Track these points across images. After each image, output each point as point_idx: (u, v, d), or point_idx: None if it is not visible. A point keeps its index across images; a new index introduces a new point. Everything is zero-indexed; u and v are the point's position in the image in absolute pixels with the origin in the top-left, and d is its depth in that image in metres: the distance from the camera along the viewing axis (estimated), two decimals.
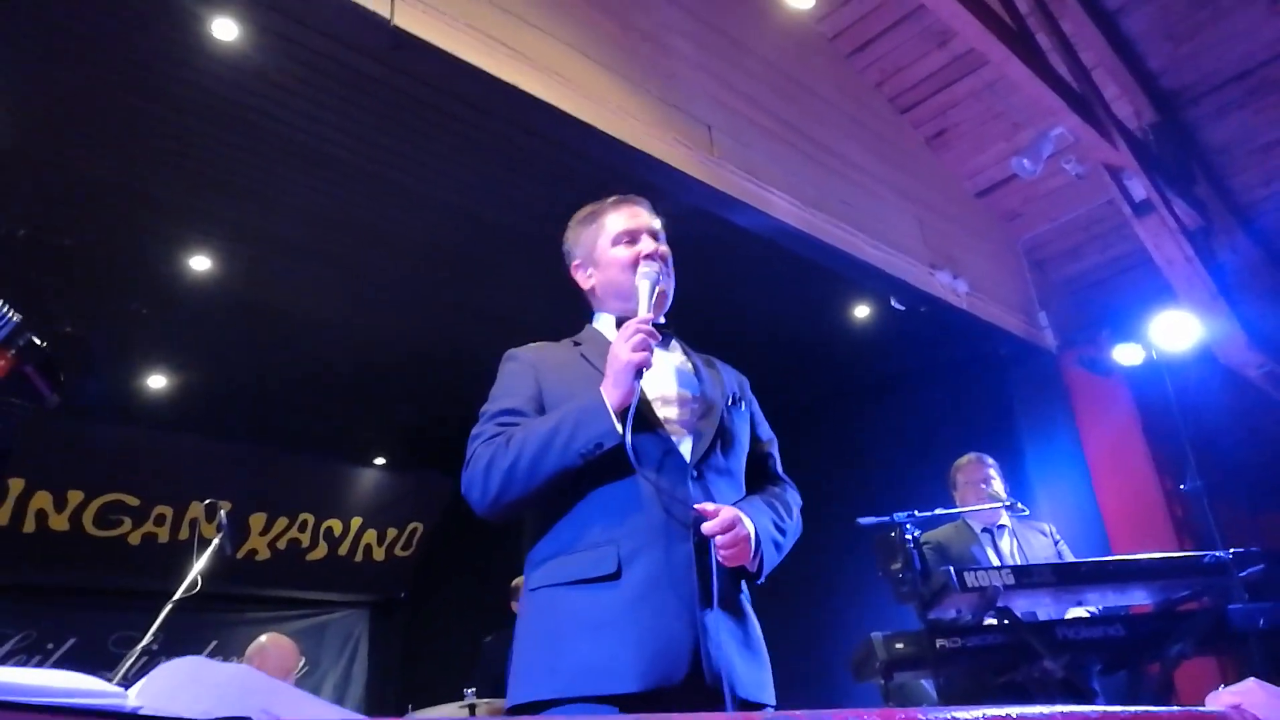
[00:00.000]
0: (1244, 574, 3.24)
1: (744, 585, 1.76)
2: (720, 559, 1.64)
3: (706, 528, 1.63)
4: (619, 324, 1.86)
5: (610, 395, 1.67)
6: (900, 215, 5.07)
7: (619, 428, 1.63)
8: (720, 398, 1.86)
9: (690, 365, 1.90)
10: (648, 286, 1.83)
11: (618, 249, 1.91)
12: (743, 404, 1.92)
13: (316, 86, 3.65)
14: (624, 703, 1.53)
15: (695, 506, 1.65)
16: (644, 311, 1.79)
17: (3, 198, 4.09)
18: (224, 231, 4.55)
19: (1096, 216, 5.81)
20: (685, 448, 1.74)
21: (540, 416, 1.76)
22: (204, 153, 3.98)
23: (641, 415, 1.69)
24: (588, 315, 2.03)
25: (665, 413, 1.76)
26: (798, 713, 0.57)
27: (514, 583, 5.28)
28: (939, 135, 5.64)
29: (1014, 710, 0.67)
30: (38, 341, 1.38)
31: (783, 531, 1.82)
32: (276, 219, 4.48)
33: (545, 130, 3.51)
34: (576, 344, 1.93)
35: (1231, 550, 3.27)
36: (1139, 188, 4.28)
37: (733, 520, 1.64)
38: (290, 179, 4.20)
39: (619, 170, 3.73)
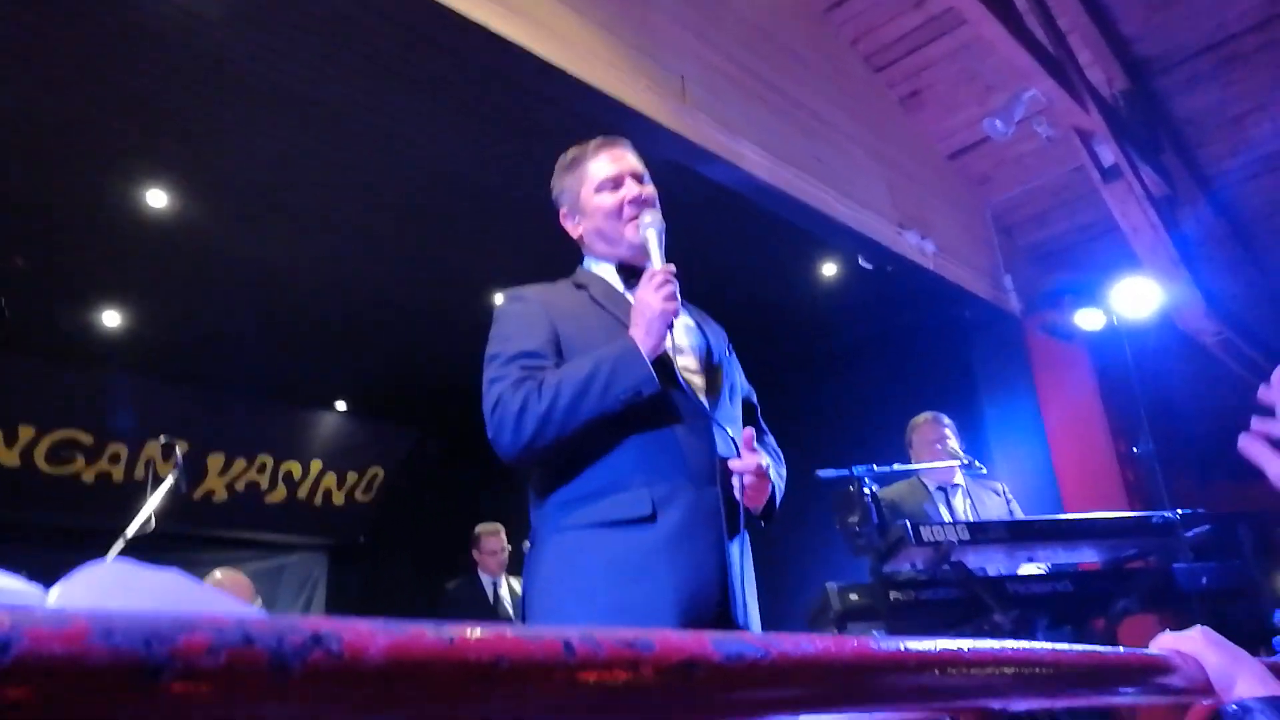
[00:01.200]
0: (1190, 535, 3.32)
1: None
2: (744, 500, 1.70)
3: (739, 465, 1.68)
4: (620, 269, 1.89)
5: (643, 343, 1.68)
6: (870, 174, 5.05)
7: (654, 376, 1.66)
8: (721, 348, 1.91)
9: (688, 315, 1.92)
10: (655, 236, 1.83)
11: (602, 195, 1.90)
12: (732, 354, 1.97)
13: (288, 25, 3.54)
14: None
15: (745, 433, 1.71)
16: (658, 262, 1.79)
17: None
18: (185, 170, 4.43)
19: (1064, 183, 5.83)
20: (702, 396, 1.78)
21: (569, 361, 1.75)
22: (168, 91, 3.86)
23: (665, 364, 1.71)
24: (573, 263, 2.01)
25: (683, 362, 1.79)
26: (753, 635, 0.55)
27: (476, 530, 5.29)
28: (912, 95, 5.61)
29: (967, 644, 0.66)
30: None
31: (781, 478, 1.91)
32: (240, 160, 4.37)
33: (513, 74, 3.43)
34: (580, 286, 1.91)
35: (1179, 511, 3.34)
36: (1108, 153, 4.29)
37: (764, 461, 1.71)
38: (256, 120, 4.09)
39: (588, 118, 3.66)
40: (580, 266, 1.99)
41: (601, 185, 1.90)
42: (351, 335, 6.36)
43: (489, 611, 5.07)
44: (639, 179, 1.92)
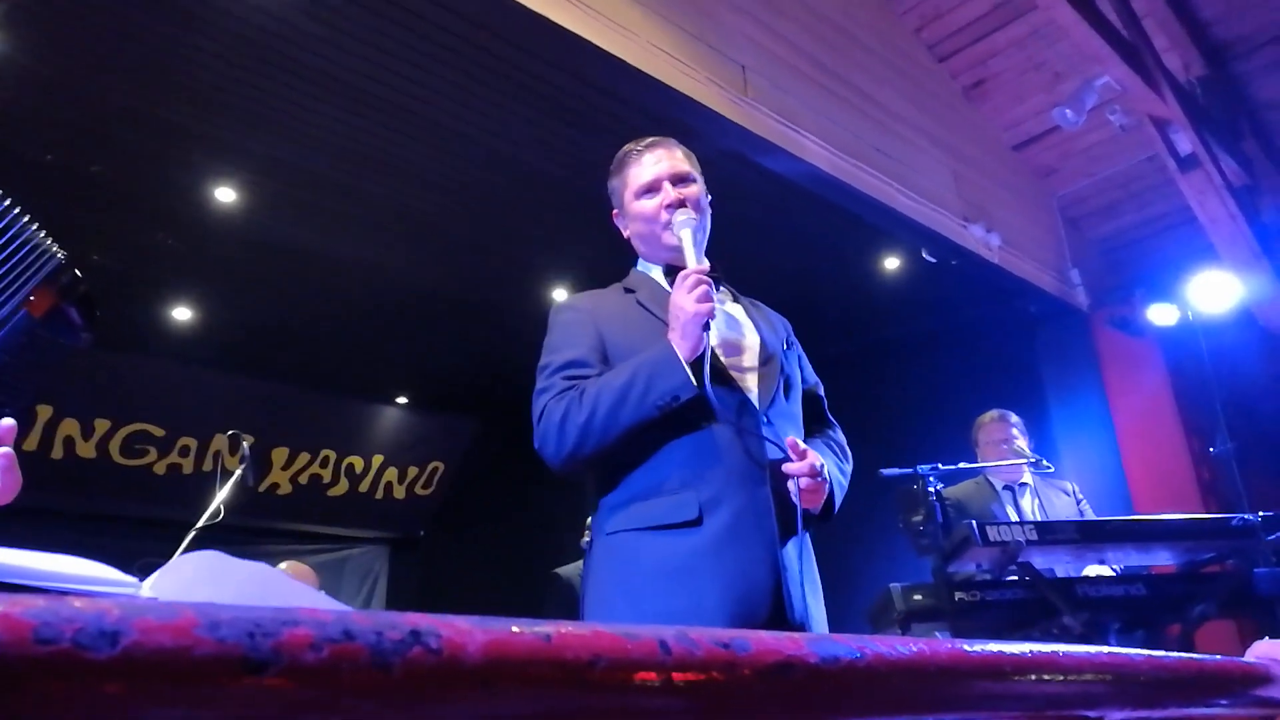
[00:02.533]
0: (1271, 538, 3.20)
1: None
2: (800, 501, 1.67)
3: (793, 469, 1.66)
4: (667, 272, 1.87)
5: (680, 348, 1.67)
6: (935, 166, 4.96)
7: (693, 379, 1.64)
8: (776, 342, 1.87)
9: (742, 310, 1.91)
10: (689, 235, 1.80)
11: (641, 201, 1.89)
12: (793, 347, 1.94)
13: (349, 17, 3.58)
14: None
15: (787, 441, 1.68)
16: (693, 262, 1.76)
17: (31, 123, 4.07)
18: (252, 164, 4.51)
19: (1135, 174, 5.66)
20: (753, 394, 1.75)
21: (610, 369, 1.75)
22: (234, 84, 3.93)
23: (710, 365, 1.69)
24: (631, 259, 2.00)
25: (730, 360, 1.77)
26: (847, 636, 0.53)
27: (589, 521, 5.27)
28: (977, 85, 5.49)
29: (1060, 647, 0.64)
30: (79, 277, 1.34)
31: (844, 474, 1.88)
32: (306, 153, 4.43)
33: (572, 64, 3.44)
34: (629, 290, 1.91)
35: (1260, 514, 3.22)
36: (1185, 142, 4.15)
37: (817, 463, 1.68)
38: (320, 112, 4.15)
39: (650, 110, 3.65)
40: (634, 269, 1.99)
41: (640, 191, 1.89)
42: (413, 328, 6.44)
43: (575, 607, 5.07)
44: (679, 180, 1.88)
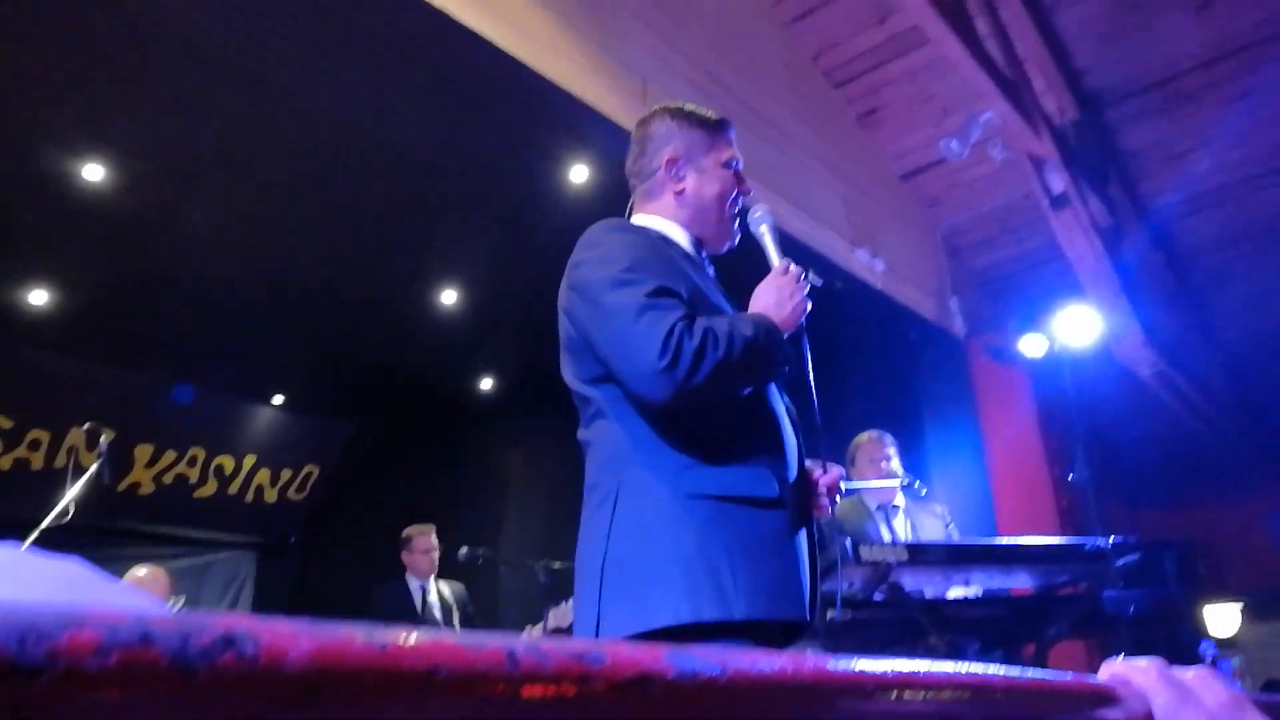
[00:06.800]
0: (1120, 563, 3.37)
1: None
2: (818, 507, 1.74)
3: (826, 479, 1.74)
4: (695, 243, 1.85)
5: (782, 327, 1.69)
6: (826, 189, 5.08)
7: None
8: None
9: None
10: (769, 232, 1.85)
11: (727, 174, 1.85)
12: None
13: None
14: (787, 630, 1.60)
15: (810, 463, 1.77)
16: (778, 259, 1.82)
17: None
18: (123, 142, 4.27)
19: (1012, 209, 5.93)
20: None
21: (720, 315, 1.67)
22: (109, 53, 3.71)
23: None
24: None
25: None
26: (708, 650, 0.51)
27: (405, 532, 5.17)
28: (870, 113, 5.66)
29: (923, 666, 0.63)
30: None
31: None
32: (183, 133, 4.22)
33: (472, 60, 3.37)
34: (666, 241, 1.80)
35: (1111, 540, 3.38)
36: (1058, 181, 4.37)
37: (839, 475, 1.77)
38: (201, 90, 3.95)
39: (547, 113, 3.62)
40: (647, 217, 1.85)
41: (730, 162, 1.86)
42: (291, 325, 6.21)
43: (414, 617, 4.95)
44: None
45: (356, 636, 0.37)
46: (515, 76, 3.29)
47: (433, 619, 4.97)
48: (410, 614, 4.94)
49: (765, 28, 4.99)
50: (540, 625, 4.36)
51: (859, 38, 5.22)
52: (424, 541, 5.06)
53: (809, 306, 1.73)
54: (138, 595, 0.47)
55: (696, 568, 1.48)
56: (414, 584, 5.05)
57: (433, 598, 5.05)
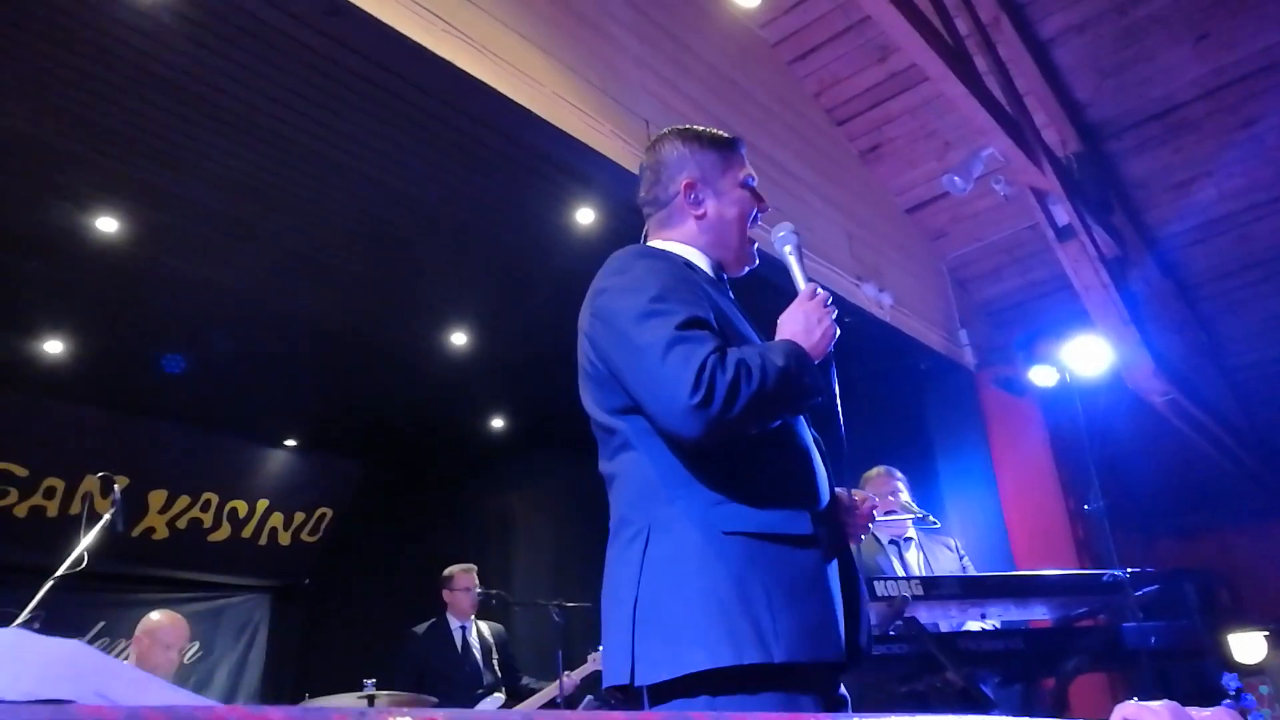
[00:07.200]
0: (1139, 594, 3.33)
1: None
2: (853, 536, 1.69)
3: (865, 507, 1.71)
4: (716, 268, 1.81)
5: (812, 354, 1.62)
6: (830, 226, 5.11)
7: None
8: None
9: None
10: (792, 252, 1.80)
11: (745, 194, 1.82)
12: None
13: (243, 48, 3.50)
14: (829, 670, 1.50)
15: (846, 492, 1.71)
16: (803, 282, 1.74)
17: None
18: (134, 193, 4.33)
19: (1018, 240, 5.94)
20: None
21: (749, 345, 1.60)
22: (120, 110, 3.78)
23: None
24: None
25: None
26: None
27: (446, 571, 5.12)
28: (873, 150, 5.70)
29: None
30: None
31: None
32: (191, 184, 4.28)
33: (477, 110, 3.43)
34: (691, 266, 1.74)
35: (1128, 570, 3.35)
36: (1062, 213, 4.38)
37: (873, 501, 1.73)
38: (208, 143, 4.02)
39: (552, 158, 3.67)
40: (666, 243, 1.81)
41: (746, 180, 1.82)
42: (304, 368, 6.25)
43: (457, 657, 4.91)
44: None
45: None
46: (521, 123, 3.33)
47: (473, 659, 4.93)
48: (451, 654, 4.90)
49: (765, 68, 5.05)
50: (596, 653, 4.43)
51: (859, 76, 5.27)
52: (466, 579, 5.02)
53: (838, 332, 1.66)
54: (137, 675, 0.48)
55: (734, 609, 1.42)
56: (454, 624, 5.00)
57: (473, 638, 5.01)
